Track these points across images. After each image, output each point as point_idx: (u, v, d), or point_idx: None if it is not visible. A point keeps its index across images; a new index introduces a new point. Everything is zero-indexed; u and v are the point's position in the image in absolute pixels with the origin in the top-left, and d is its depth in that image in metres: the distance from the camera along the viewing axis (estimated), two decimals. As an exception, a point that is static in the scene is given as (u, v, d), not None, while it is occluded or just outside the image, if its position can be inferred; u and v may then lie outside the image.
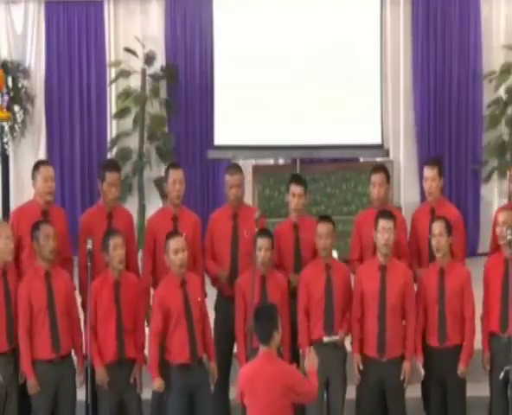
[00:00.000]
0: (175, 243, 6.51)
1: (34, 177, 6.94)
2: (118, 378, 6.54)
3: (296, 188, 7.13)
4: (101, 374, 6.50)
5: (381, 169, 7.31)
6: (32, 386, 6.44)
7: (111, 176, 7.00)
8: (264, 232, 6.76)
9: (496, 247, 7.05)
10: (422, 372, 6.70)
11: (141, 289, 6.76)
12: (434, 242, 6.67)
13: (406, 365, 6.63)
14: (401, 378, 6.61)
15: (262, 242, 6.67)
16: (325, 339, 6.67)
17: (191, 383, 6.47)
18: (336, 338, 6.69)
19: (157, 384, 6.44)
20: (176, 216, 7.10)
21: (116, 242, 6.52)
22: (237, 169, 7.38)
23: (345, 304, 6.78)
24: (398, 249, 6.97)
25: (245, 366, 5.68)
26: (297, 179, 7.29)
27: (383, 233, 6.62)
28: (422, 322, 6.74)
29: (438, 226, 6.67)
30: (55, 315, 6.46)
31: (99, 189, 7.13)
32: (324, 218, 6.94)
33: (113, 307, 6.52)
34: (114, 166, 7.25)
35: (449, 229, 6.67)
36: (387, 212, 6.81)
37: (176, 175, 7.13)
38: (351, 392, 6.83)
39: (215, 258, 7.23)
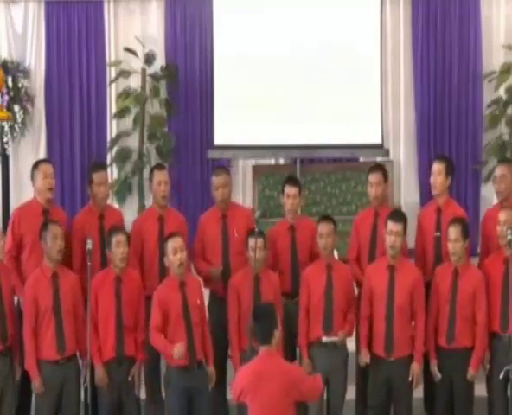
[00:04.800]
0: (173, 243, 6.49)
1: (33, 176, 6.95)
2: (116, 375, 6.53)
3: (290, 190, 7.13)
4: (100, 373, 6.49)
5: (379, 168, 7.32)
6: (37, 386, 6.42)
7: (98, 176, 7.03)
8: (255, 231, 6.65)
9: (486, 249, 7.03)
10: (438, 375, 6.65)
11: (142, 286, 6.73)
12: (450, 247, 6.63)
13: (415, 366, 6.59)
14: (410, 379, 6.57)
15: (254, 242, 6.60)
16: (324, 339, 6.65)
17: (190, 385, 6.45)
18: (335, 339, 6.66)
19: (178, 347, 6.28)
20: (162, 217, 7.10)
21: (119, 239, 6.53)
22: (222, 169, 7.39)
23: (346, 305, 6.76)
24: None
25: (245, 366, 5.63)
26: (291, 180, 7.30)
27: (390, 235, 6.61)
28: (435, 323, 6.71)
29: (454, 232, 6.60)
30: (61, 316, 6.44)
31: (88, 192, 7.13)
32: (325, 218, 6.94)
33: (113, 303, 6.51)
34: (100, 166, 7.33)
35: (465, 233, 6.62)
36: (397, 214, 6.78)
37: (161, 176, 7.15)
38: (351, 392, 6.82)
39: (207, 260, 7.20)
